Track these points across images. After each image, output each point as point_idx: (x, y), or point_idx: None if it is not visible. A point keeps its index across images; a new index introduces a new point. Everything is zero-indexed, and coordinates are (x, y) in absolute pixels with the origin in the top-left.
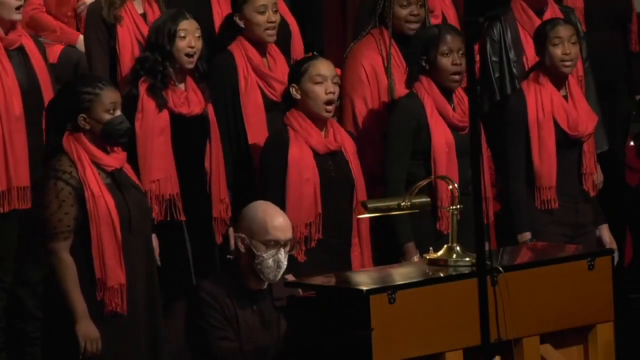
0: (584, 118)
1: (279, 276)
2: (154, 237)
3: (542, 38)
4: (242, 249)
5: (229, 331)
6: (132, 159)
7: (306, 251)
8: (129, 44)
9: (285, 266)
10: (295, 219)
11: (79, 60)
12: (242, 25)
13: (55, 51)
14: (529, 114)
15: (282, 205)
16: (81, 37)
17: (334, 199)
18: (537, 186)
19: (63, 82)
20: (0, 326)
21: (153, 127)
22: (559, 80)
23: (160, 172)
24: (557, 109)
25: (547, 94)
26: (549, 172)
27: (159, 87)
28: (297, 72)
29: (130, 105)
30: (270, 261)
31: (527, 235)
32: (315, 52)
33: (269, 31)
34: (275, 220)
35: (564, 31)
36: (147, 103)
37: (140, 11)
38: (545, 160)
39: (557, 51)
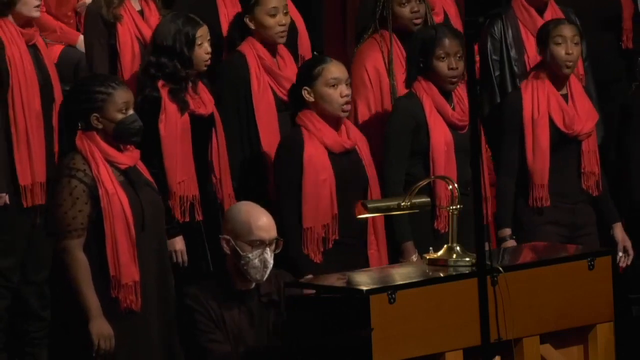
0: (582, 117)
1: (266, 276)
2: (180, 238)
3: (544, 37)
4: (227, 251)
5: (218, 334)
6: (157, 160)
7: (323, 252)
8: (129, 42)
9: (271, 265)
10: (313, 221)
11: (79, 60)
12: (252, 27)
13: (55, 51)
14: (525, 111)
15: (299, 206)
16: (81, 37)
17: (350, 198)
18: (529, 184)
19: (63, 82)
20: (1, 326)
21: (177, 128)
22: (560, 79)
23: (184, 173)
24: (553, 108)
25: (544, 93)
26: (541, 170)
27: (181, 91)
28: (308, 75)
29: (150, 107)
30: (256, 261)
31: (507, 231)
32: (315, 52)
33: (280, 33)
34: (259, 220)
35: (567, 31)
36: (170, 106)
37: (138, 8)
38: (538, 158)
39: (560, 51)
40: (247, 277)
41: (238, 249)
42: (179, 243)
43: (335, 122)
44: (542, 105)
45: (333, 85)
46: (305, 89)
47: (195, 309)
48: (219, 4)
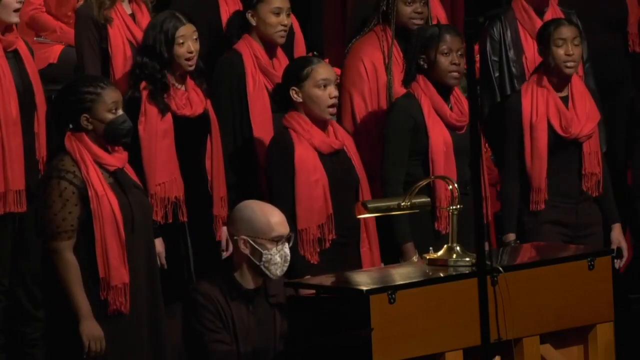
0: (581, 119)
1: (285, 271)
2: (159, 240)
3: (545, 38)
4: (246, 251)
5: (223, 334)
6: (136, 162)
7: (320, 252)
8: (120, 45)
9: (289, 260)
10: (307, 221)
11: None
12: (254, 23)
13: (55, 51)
14: (523, 115)
15: (292, 208)
16: None
17: (341, 198)
18: (529, 187)
19: (63, 82)
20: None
21: (157, 130)
22: (561, 81)
23: (165, 175)
24: (551, 111)
25: (543, 96)
26: (539, 173)
27: (159, 93)
28: (296, 75)
29: (132, 108)
30: (277, 257)
31: (511, 236)
32: (315, 52)
33: (280, 33)
34: (275, 216)
35: (567, 32)
36: (149, 107)
37: (129, 12)
38: (536, 162)
39: (560, 52)
40: (261, 275)
41: (259, 247)
42: (157, 245)
43: (322, 123)
44: (540, 109)
45: (323, 86)
46: (293, 90)
47: (205, 306)
48: (220, 1)
